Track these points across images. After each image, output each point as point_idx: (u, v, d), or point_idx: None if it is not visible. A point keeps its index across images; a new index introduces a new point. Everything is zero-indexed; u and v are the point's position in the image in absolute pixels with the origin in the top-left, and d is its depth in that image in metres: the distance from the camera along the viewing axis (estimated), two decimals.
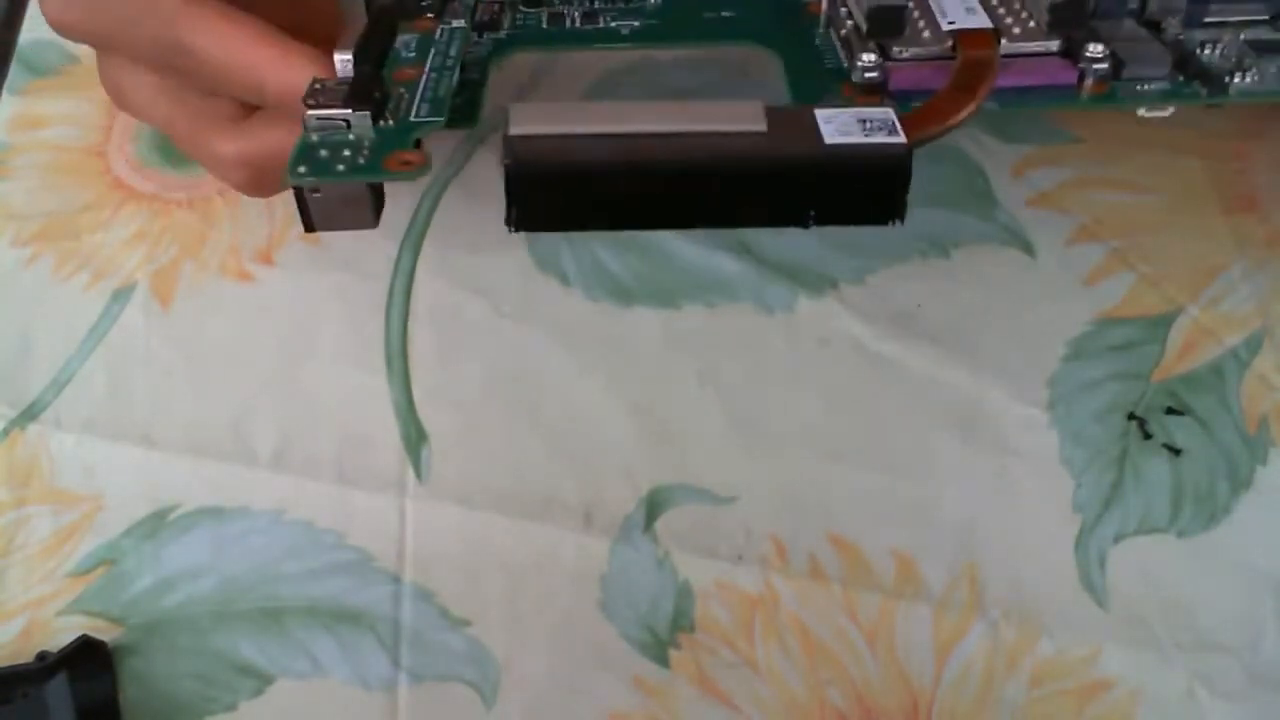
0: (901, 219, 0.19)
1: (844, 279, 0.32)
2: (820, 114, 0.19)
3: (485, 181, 0.34)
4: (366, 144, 0.21)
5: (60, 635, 0.29)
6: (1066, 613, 0.29)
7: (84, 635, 0.28)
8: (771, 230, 0.32)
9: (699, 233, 0.32)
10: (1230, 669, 0.28)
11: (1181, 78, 0.24)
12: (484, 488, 0.30)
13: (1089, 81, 0.24)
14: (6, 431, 0.31)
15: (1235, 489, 0.30)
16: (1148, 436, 0.30)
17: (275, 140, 0.27)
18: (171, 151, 0.34)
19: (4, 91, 0.35)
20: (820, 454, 0.30)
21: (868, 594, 0.29)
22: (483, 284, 0.32)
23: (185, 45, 0.26)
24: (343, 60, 0.23)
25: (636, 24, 0.26)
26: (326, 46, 0.25)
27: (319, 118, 0.21)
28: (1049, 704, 0.28)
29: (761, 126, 0.18)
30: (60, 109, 0.35)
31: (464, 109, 0.23)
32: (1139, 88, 0.24)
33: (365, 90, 0.21)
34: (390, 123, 0.22)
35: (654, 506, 0.30)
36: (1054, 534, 0.29)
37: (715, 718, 0.28)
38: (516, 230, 0.19)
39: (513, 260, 0.32)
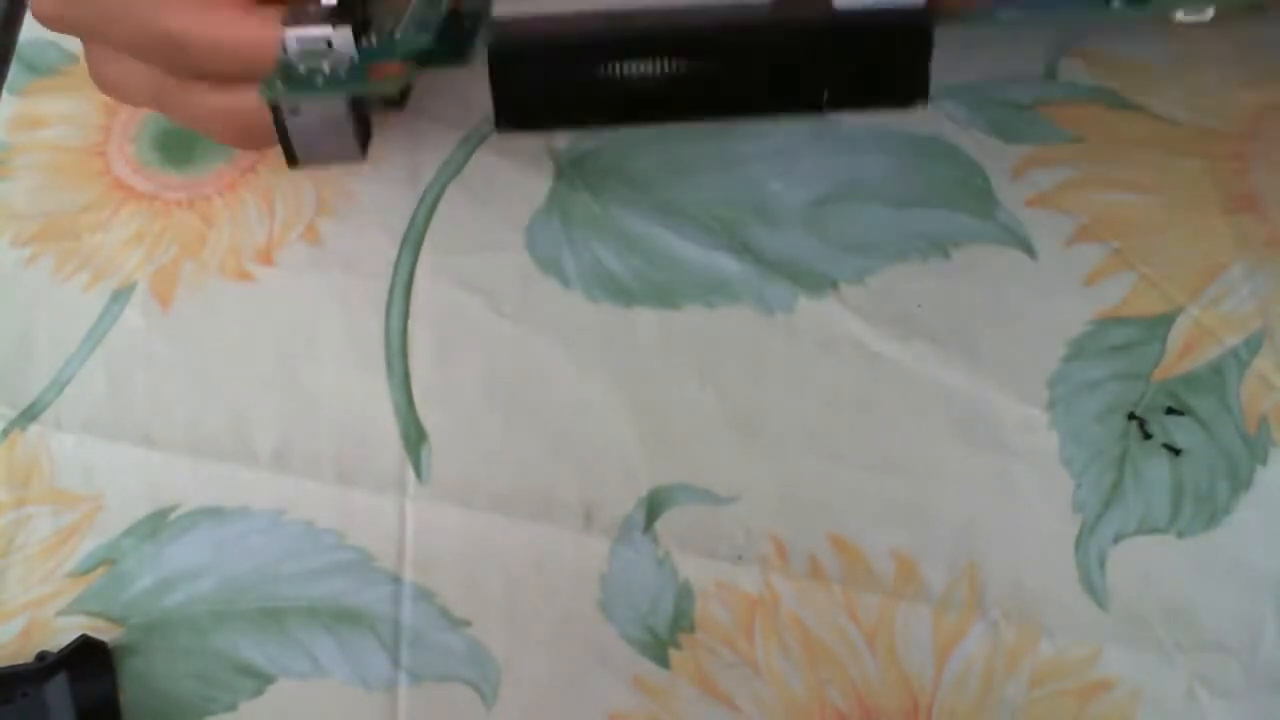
0: (925, 98, 0.17)
1: (844, 279, 0.32)
2: None
3: (485, 182, 0.34)
4: (349, 60, 0.20)
5: (60, 635, 0.29)
6: (1066, 613, 0.29)
7: (84, 635, 0.28)
8: (772, 230, 0.32)
9: (699, 233, 0.32)
10: (1230, 669, 0.28)
11: None
12: (484, 488, 0.30)
13: None
14: (6, 432, 0.31)
15: (1235, 489, 0.30)
16: (1148, 436, 0.30)
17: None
18: (172, 151, 0.34)
19: (4, 91, 0.35)
20: (820, 454, 0.30)
21: (868, 594, 0.29)
22: (483, 284, 0.32)
23: (171, 34, 0.26)
24: None
25: None
26: None
27: (299, 38, 0.20)
28: (1049, 704, 0.28)
29: None
30: (60, 109, 0.35)
31: (454, 43, 0.21)
32: None
33: (348, 6, 0.20)
34: (374, 42, 0.20)
35: (654, 506, 0.30)
36: (1054, 534, 0.29)
37: (715, 718, 0.28)
38: (505, 129, 0.18)
39: (513, 260, 0.32)
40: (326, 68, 0.20)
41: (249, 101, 0.26)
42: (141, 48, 0.27)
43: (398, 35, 0.20)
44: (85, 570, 0.29)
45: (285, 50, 0.20)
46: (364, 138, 0.22)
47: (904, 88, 0.17)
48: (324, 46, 0.20)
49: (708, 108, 0.17)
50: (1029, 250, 0.32)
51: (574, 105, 0.17)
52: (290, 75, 0.20)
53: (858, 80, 0.17)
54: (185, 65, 0.27)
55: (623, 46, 0.17)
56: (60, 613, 0.29)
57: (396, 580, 0.29)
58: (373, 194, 0.33)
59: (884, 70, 0.16)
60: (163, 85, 0.28)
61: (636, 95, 0.17)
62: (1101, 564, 0.29)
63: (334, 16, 0.20)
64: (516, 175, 0.33)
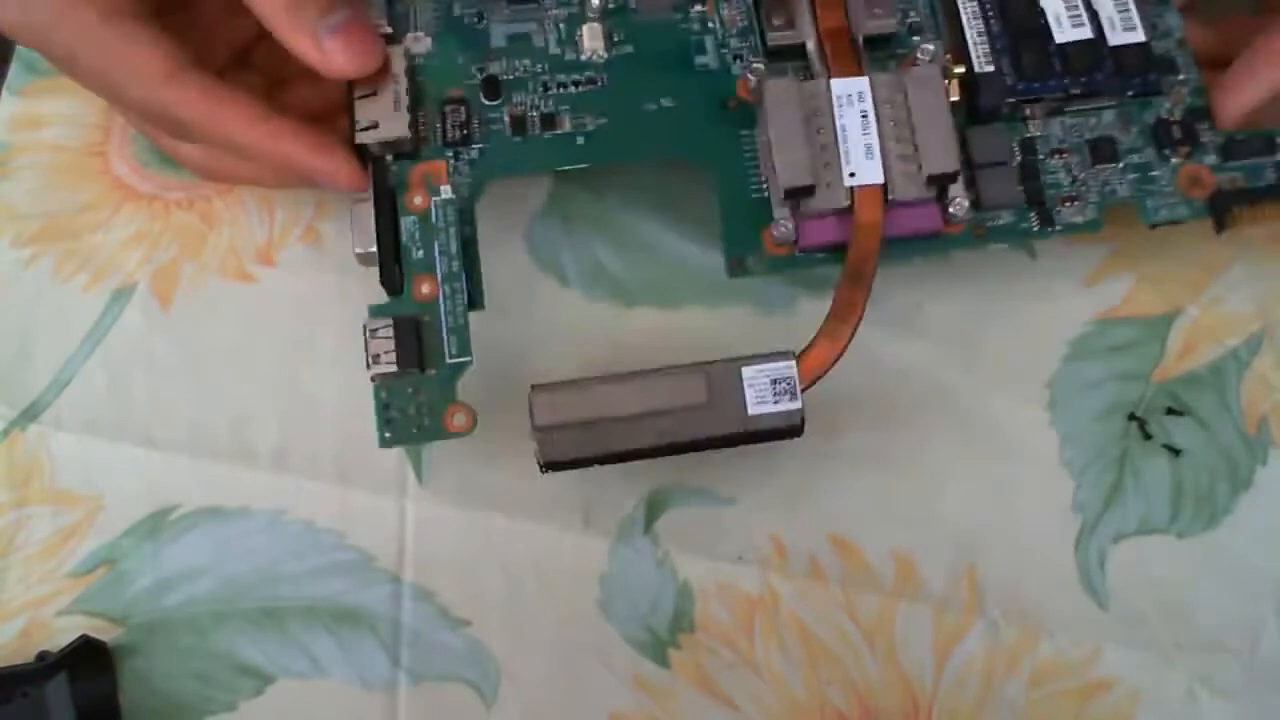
0: (800, 435, 0.26)
1: None
2: (746, 375, 0.26)
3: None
4: (424, 402, 0.27)
5: (60, 635, 0.29)
6: (1066, 613, 0.29)
7: (84, 635, 0.28)
8: None
9: (699, 233, 0.32)
10: (1230, 669, 0.28)
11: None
12: (484, 488, 0.30)
13: (953, 217, 0.28)
14: (7, 432, 0.31)
15: (1235, 489, 0.30)
16: (1148, 437, 0.30)
17: (238, 170, 0.30)
18: None
19: (4, 91, 0.35)
20: (820, 454, 0.30)
21: (868, 594, 0.29)
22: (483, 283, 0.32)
23: (173, 115, 0.27)
24: (368, 252, 0.28)
25: (590, 128, 0.29)
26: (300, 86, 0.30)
27: (380, 375, 0.27)
28: (1049, 704, 0.28)
29: (702, 398, 0.26)
30: (60, 109, 0.35)
31: (473, 297, 0.28)
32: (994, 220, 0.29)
33: (408, 351, 0.27)
34: (432, 372, 0.27)
35: (654, 506, 0.30)
36: (1054, 534, 0.29)
37: (715, 718, 0.28)
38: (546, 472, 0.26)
39: (513, 260, 0.32)
40: (412, 410, 0.27)
41: (219, 167, 0.30)
42: (143, 114, 0.28)
43: (448, 359, 0.27)
44: (85, 570, 0.29)
45: (374, 385, 0.27)
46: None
47: (788, 439, 0.27)
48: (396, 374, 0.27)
49: (671, 454, 0.27)
50: (1029, 250, 0.32)
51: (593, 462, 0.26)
52: (392, 425, 0.27)
53: (761, 439, 0.27)
54: (187, 135, 0.28)
55: (619, 456, 0.26)
56: (60, 613, 0.29)
57: (396, 580, 0.29)
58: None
59: (776, 439, 0.27)
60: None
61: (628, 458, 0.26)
62: (1101, 564, 0.29)
63: (401, 362, 0.27)
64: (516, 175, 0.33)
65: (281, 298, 0.32)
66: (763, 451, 0.30)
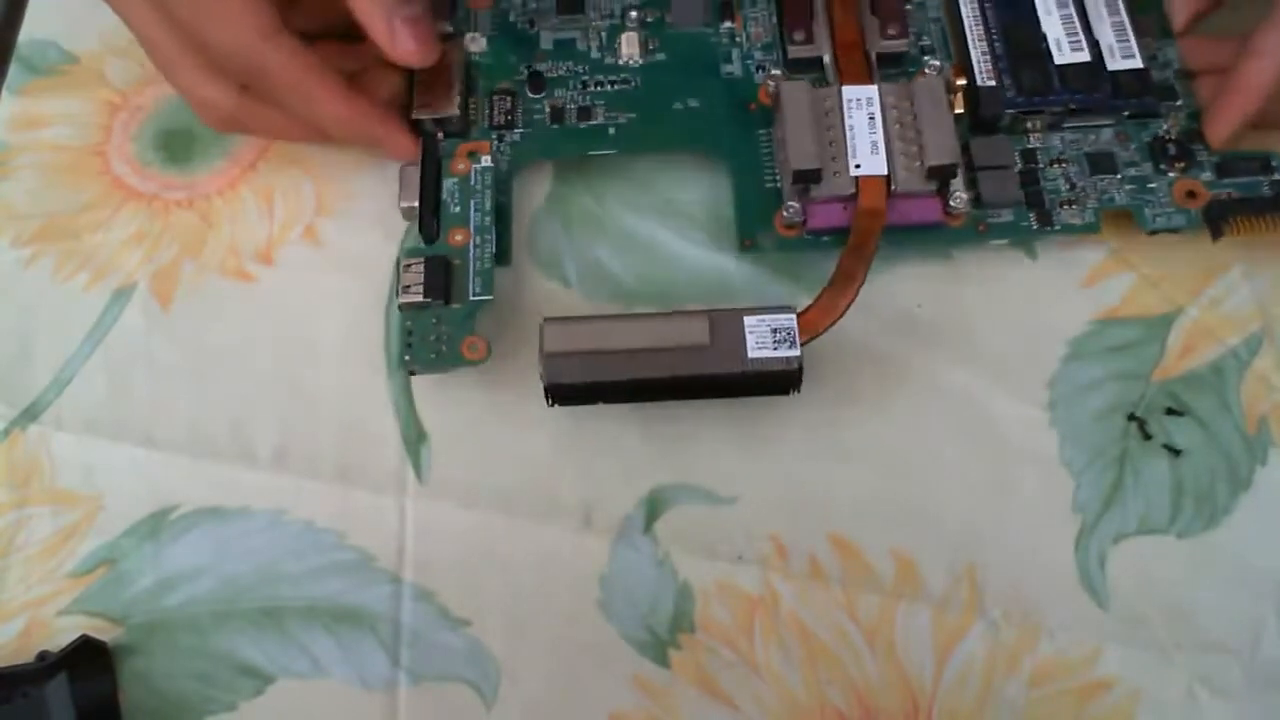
0: (798, 391, 0.28)
1: None
2: (747, 323, 0.28)
3: None
4: (445, 331, 0.29)
5: (60, 635, 0.29)
6: (1066, 613, 0.29)
7: (84, 635, 0.28)
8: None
9: (699, 233, 0.32)
10: (1230, 669, 0.28)
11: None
12: (484, 488, 0.30)
13: (954, 209, 0.31)
14: (7, 431, 0.31)
15: (1235, 489, 0.30)
16: (1148, 437, 0.30)
17: (269, 123, 0.32)
18: (172, 151, 0.34)
19: (4, 91, 0.35)
20: (820, 454, 0.30)
21: (868, 594, 0.29)
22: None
23: (256, 66, 0.29)
24: (411, 206, 0.31)
25: (621, 121, 0.33)
26: (376, 81, 0.32)
27: (407, 302, 0.29)
28: (1049, 704, 0.28)
29: (705, 339, 0.28)
30: (60, 109, 0.35)
31: (500, 252, 0.31)
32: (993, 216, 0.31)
33: (435, 283, 0.29)
34: (456, 306, 0.29)
35: (654, 506, 0.30)
36: (1054, 534, 0.29)
37: (715, 718, 0.28)
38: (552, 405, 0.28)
39: (513, 261, 0.32)
40: (432, 337, 0.29)
41: (250, 121, 0.31)
42: (215, 58, 0.30)
43: (470, 296, 0.30)
44: (85, 570, 0.29)
45: (400, 311, 0.30)
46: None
47: (784, 391, 0.28)
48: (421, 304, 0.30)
49: (672, 397, 0.29)
50: (1029, 250, 0.32)
51: (598, 399, 0.28)
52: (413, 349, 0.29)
53: (759, 391, 0.28)
54: (251, 83, 0.30)
55: (627, 387, 0.28)
56: (60, 613, 0.29)
57: (396, 580, 0.29)
58: (372, 194, 0.33)
59: (774, 388, 0.28)
60: (173, 57, 0.31)
61: (634, 395, 0.28)
62: (1101, 564, 0.29)
63: (428, 290, 0.29)
64: (517, 175, 0.33)
65: (281, 298, 0.32)
66: (763, 451, 0.30)
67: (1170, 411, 0.30)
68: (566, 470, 0.30)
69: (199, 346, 0.32)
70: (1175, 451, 0.30)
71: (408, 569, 0.29)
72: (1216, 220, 0.30)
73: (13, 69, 0.35)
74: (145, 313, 0.32)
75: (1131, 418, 0.30)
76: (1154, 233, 0.31)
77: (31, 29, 0.37)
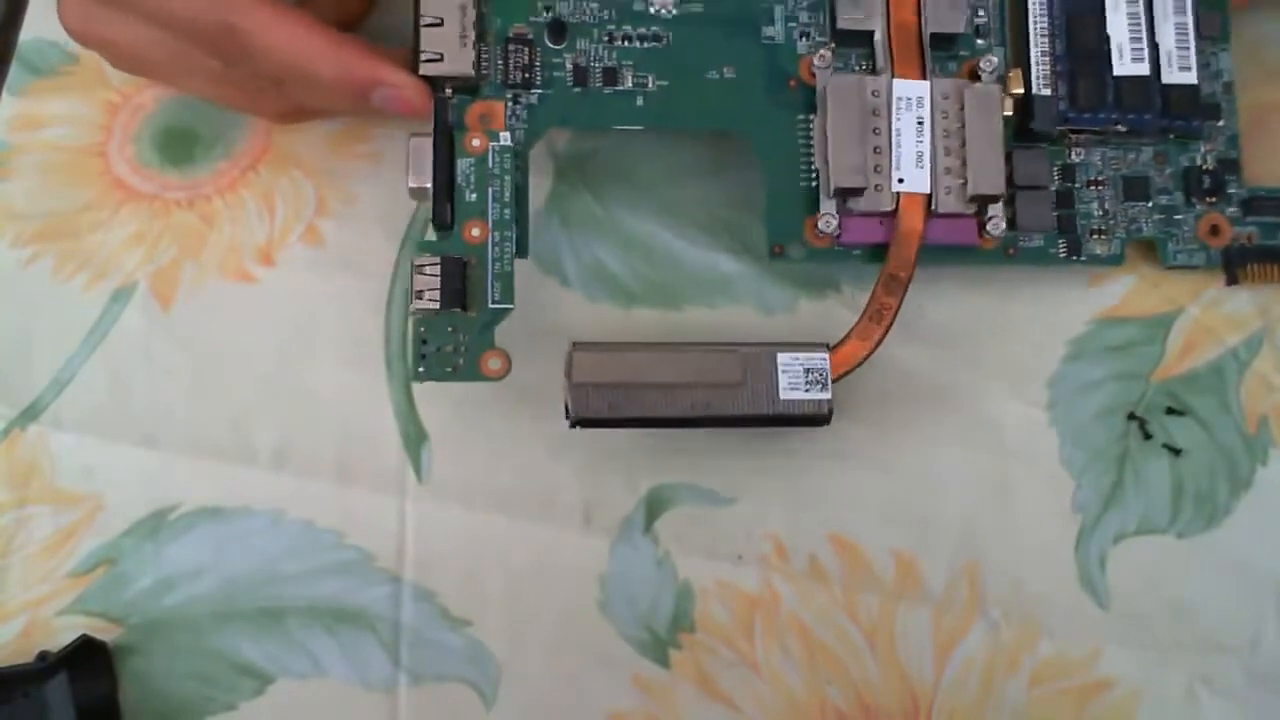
0: (828, 424, 0.27)
1: (844, 280, 0.32)
2: (781, 361, 0.27)
3: None
4: (462, 343, 0.28)
5: (60, 635, 0.29)
6: (1066, 613, 0.29)
7: (84, 635, 0.28)
8: None
9: (699, 234, 0.32)
10: (1230, 669, 0.28)
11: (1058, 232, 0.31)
12: (484, 488, 0.30)
13: (989, 234, 0.30)
14: (7, 431, 0.31)
15: (1235, 489, 0.30)
16: (1148, 437, 0.30)
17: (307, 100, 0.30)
18: (172, 151, 0.34)
19: (4, 91, 0.35)
20: (820, 454, 0.30)
21: (868, 594, 0.29)
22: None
23: (238, 29, 0.27)
24: (422, 187, 0.28)
25: (651, 88, 0.29)
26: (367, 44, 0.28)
27: (421, 310, 0.27)
28: (1049, 704, 0.28)
29: (737, 378, 0.27)
30: (60, 109, 0.35)
31: (519, 244, 0.28)
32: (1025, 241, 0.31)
33: (452, 290, 0.27)
34: (473, 314, 0.28)
35: (654, 506, 0.30)
36: (1054, 534, 0.29)
37: (715, 718, 0.28)
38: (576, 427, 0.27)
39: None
40: (450, 348, 0.28)
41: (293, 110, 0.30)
42: (200, 37, 0.27)
43: (490, 303, 0.28)
44: (85, 570, 0.29)
45: (411, 319, 0.28)
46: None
47: (815, 426, 0.28)
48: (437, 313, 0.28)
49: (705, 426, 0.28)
50: None
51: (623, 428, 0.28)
52: (426, 361, 0.28)
53: (788, 423, 0.27)
54: (242, 61, 0.28)
55: (653, 422, 0.27)
56: (60, 613, 0.29)
57: (396, 580, 0.29)
58: (373, 194, 0.33)
59: (804, 424, 0.28)
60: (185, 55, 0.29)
61: (665, 424, 0.27)
62: (1101, 564, 0.29)
63: (444, 300, 0.27)
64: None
65: (281, 298, 0.32)
66: (763, 451, 0.30)
67: (1170, 411, 0.30)
68: (566, 470, 0.30)
69: (199, 347, 0.32)
70: (1175, 451, 0.30)
71: (408, 569, 0.29)
72: (1234, 265, 0.31)
73: (13, 69, 0.35)
74: (145, 313, 0.32)
75: (1132, 417, 0.30)
76: (1172, 268, 0.31)
77: (32, 29, 0.36)
